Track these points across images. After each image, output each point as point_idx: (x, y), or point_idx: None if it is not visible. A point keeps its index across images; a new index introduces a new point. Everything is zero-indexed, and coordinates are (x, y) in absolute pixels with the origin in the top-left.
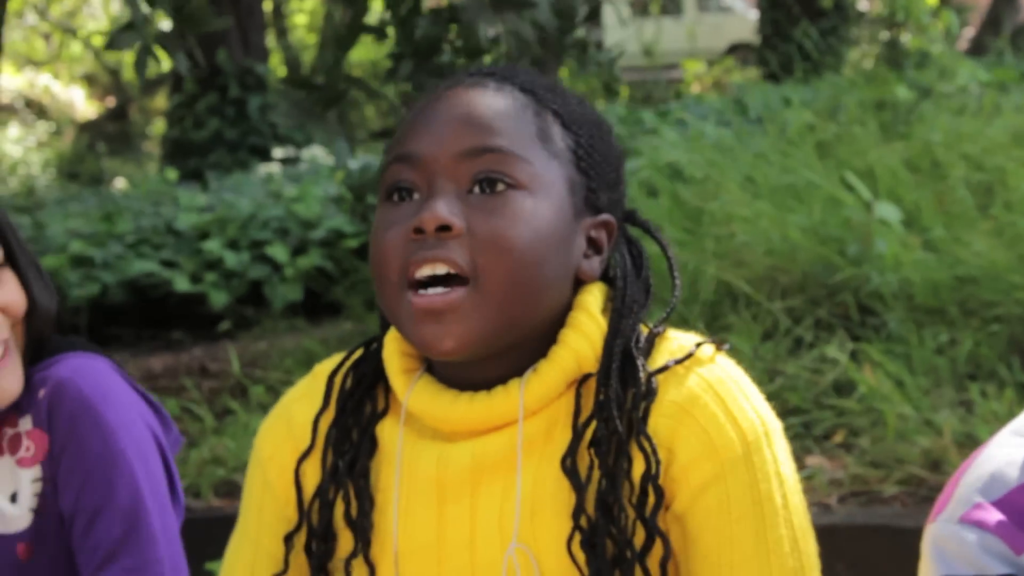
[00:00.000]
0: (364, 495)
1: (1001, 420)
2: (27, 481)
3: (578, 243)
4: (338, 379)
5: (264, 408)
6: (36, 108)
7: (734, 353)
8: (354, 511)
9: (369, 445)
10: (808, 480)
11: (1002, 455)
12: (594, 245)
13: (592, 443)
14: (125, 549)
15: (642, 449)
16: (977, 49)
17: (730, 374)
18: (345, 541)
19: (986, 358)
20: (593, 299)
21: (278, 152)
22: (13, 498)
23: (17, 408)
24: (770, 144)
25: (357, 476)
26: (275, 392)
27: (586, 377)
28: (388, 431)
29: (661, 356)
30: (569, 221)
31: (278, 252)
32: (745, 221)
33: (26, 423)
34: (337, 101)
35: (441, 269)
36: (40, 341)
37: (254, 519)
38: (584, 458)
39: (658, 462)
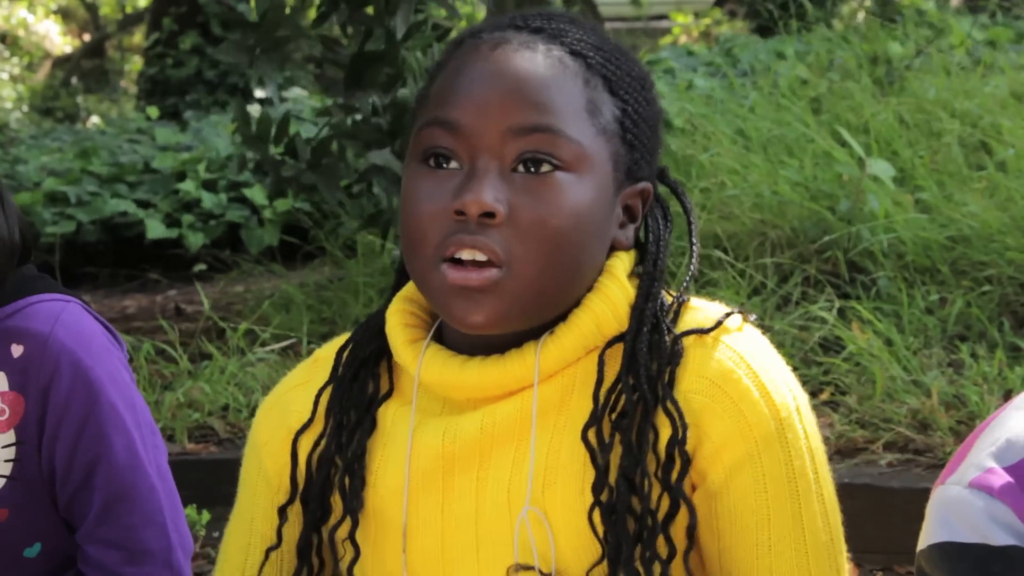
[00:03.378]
0: (357, 475)
1: (991, 382)
2: None
3: (615, 215)
4: (346, 354)
5: (241, 352)
6: (11, 41)
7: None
8: (347, 490)
9: (369, 425)
10: None
11: (1020, 420)
12: (629, 212)
13: (617, 414)
14: (124, 506)
15: (668, 415)
16: (968, 8)
17: (761, 346)
18: (335, 515)
19: (977, 319)
20: (620, 263)
21: (258, 92)
22: None
23: None
24: (761, 97)
25: (353, 457)
26: (252, 336)
27: (611, 343)
28: (391, 413)
29: (686, 326)
30: (610, 199)
31: (256, 194)
32: (735, 174)
33: None
34: (279, 46)
35: (480, 257)
36: None
37: (248, 502)
38: (605, 428)
39: (684, 427)
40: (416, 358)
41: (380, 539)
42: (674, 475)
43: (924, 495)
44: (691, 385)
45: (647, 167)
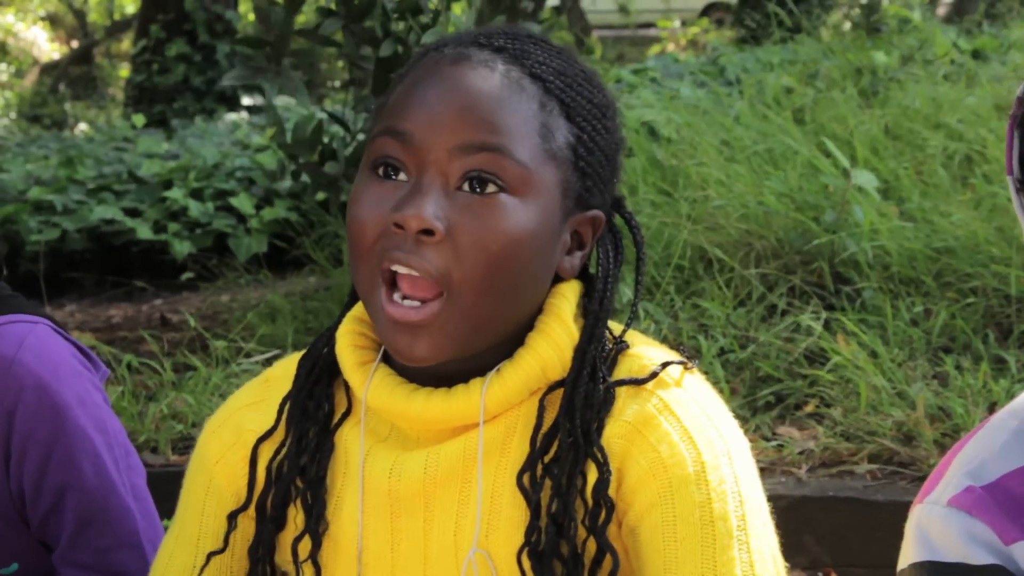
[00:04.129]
0: (319, 498)
1: (975, 394)
2: None
3: (562, 241)
4: (304, 369)
5: (226, 363)
6: None
7: (706, 318)
8: (310, 511)
9: (329, 447)
10: (778, 450)
11: (996, 438)
12: (578, 239)
13: (550, 459)
14: (97, 529)
15: (595, 460)
16: (954, 17)
17: (693, 395)
18: (291, 537)
19: (961, 331)
20: (566, 303)
21: (246, 100)
22: None
23: None
24: (747, 107)
25: (316, 480)
26: (237, 346)
27: (552, 387)
28: (346, 434)
29: (622, 375)
30: (556, 225)
31: (243, 203)
32: (721, 185)
33: None
34: (284, 52)
35: (415, 273)
36: None
37: (194, 522)
38: (538, 473)
39: (609, 472)
40: (364, 381)
41: (331, 563)
42: (599, 521)
43: (908, 508)
44: (614, 430)
45: (600, 196)
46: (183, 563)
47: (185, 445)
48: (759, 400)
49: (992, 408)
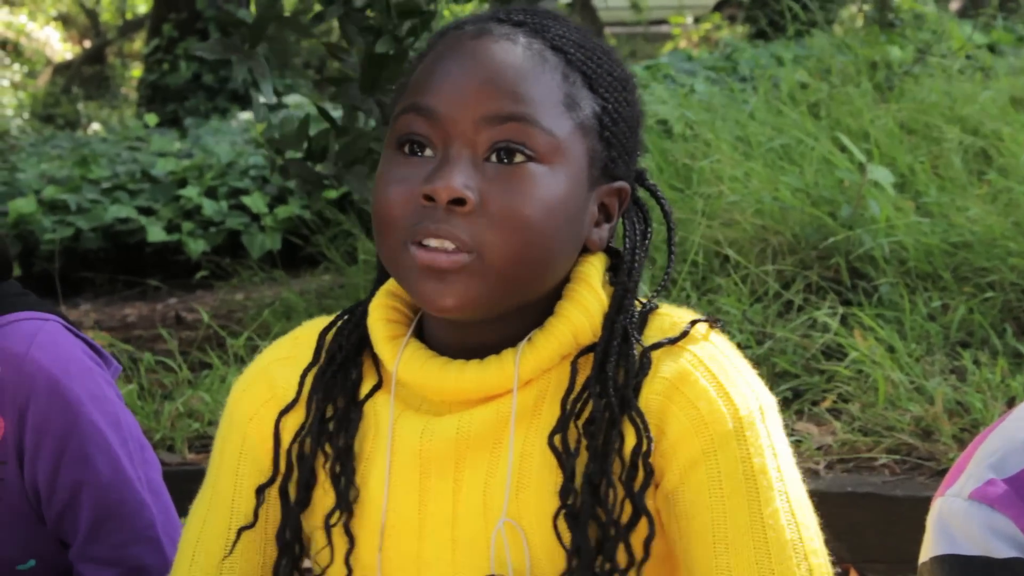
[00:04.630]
0: (347, 466)
1: (994, 389)
2: None
3: (589, 212)
4: (329, 336)
5: (241, 360)
6: (11, 48)
7: (722, 314)
8: (339, 480)
9: (358, 415)
10: (796, 446)
11: (1018, 431)
12: (605, 211)
13: (585, 421)
14: (113, 524)
15: (634, 424)
16: (969, 11)
17: (723, 350)
18: (319, 505)
19: (979, 325)
20: (594, 271)
21: (260, 99)
22: None
23: None
24: (761, 103)
25: (345, 447)
26: (252, 344)
27: (583, 352)
28: (378, 401)
29: (653, 333)
30: (583, 194)
31: (257, 201)
32: (735, 181)
33: None
34: (260, 38)
35: (448, 245)
36: None
37: (228, 484)
38: (573, 434)
39: (650, 439)
40: (395, 355)
41: (358, 528)
42: (636, 485)
43: (927, 503)
44: (652, 387)
45: (624, 167)
46: (218, 528)
47: (201, 443)
48: (776, 396)
49: (1011, 402)
